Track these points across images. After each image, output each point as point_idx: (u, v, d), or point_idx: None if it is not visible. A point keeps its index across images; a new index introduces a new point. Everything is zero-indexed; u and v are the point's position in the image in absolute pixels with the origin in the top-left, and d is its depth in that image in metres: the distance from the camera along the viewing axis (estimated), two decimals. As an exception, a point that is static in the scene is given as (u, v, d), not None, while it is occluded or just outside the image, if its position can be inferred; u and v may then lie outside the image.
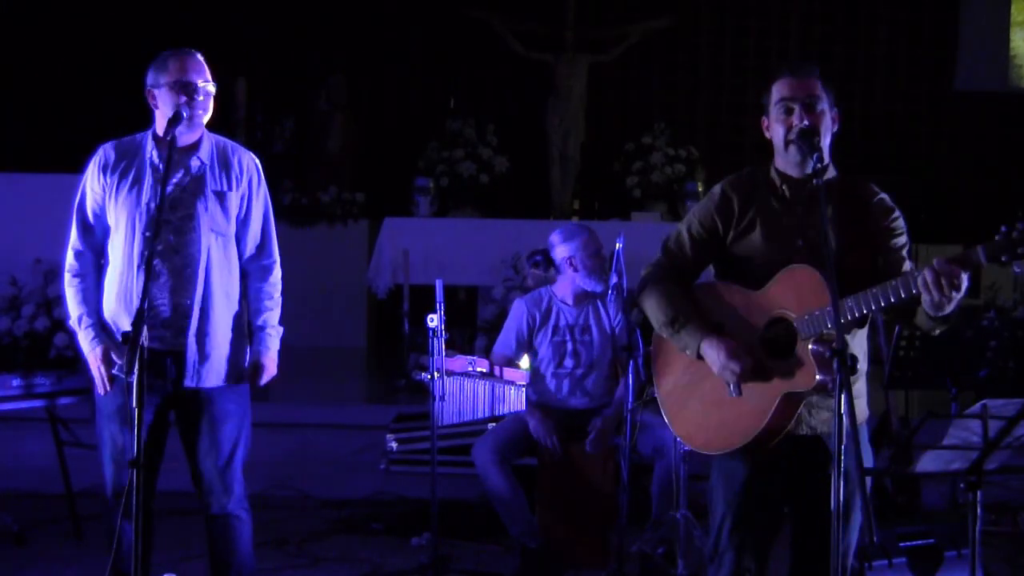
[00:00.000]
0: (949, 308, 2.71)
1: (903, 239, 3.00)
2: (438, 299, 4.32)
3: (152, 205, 3.42)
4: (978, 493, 2.92)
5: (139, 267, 3.41)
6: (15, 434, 5.93)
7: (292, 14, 10.02)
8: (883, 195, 3.05)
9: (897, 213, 3.02)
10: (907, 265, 2.96)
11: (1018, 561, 4.89)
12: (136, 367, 2.87)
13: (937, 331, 2.87)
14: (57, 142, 9.30)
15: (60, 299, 7.11)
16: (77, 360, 7.07)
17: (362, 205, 9.40)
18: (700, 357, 2.96)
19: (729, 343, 2.90)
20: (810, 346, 2.79)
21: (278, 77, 9.89)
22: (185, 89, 3.42)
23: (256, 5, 9.95)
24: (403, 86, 10.17)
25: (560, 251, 4.92)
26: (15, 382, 4.83)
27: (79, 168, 3.63)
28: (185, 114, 3.40)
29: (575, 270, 4.88)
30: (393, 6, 10.17)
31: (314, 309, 8.85)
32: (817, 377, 2.77)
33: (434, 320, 4.27)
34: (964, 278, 2.66)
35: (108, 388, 3.48)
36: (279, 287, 3.72)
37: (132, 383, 2.88)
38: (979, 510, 2.93)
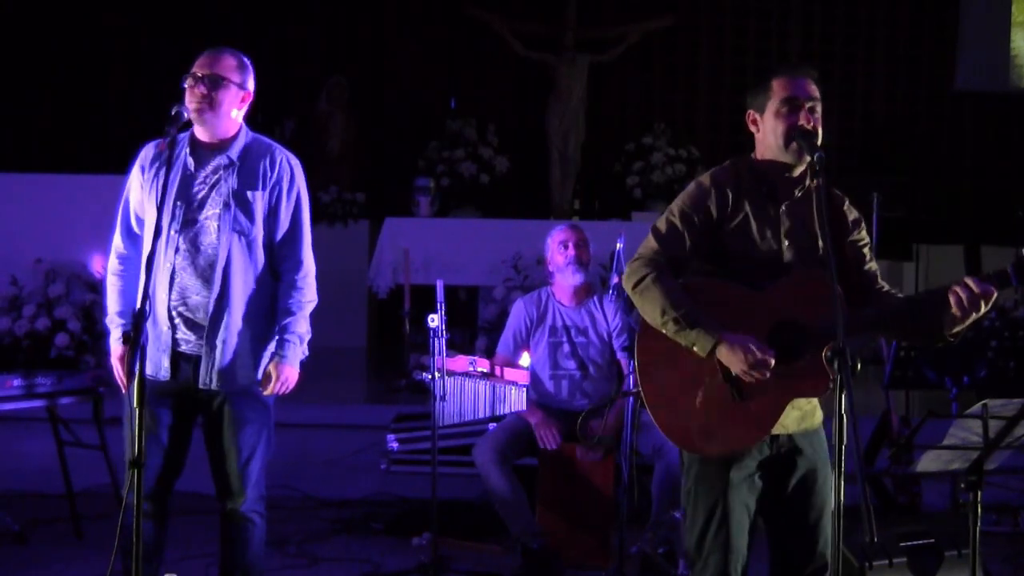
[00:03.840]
0: (963, 325, 2.79)
1: (868, 250, 3.06)
2: (439, 299, 4.33)
3: (179, 204, 3.41)
4: (978, 493, 2.92)
5: (164, 266, 3.39)
6: (15, 434, 5.93)
7: (292, 14, 10.02)
8: (848, 202, 3.07)
9: (863, 222, 3.07)
10: (879, 279, 3.03)
11: (1018, 561, 4.89)
12: (136, 367, 2.86)
13: (938, 345, 2.90)
14: (57, 143, 9.33)
15: (60, 299, 7.14)
16: (77, 360, 7.11)
17: (362, 205, 9.41)
18: (709, 355, 2.85)
19: (753, 341, 2.80)
20: (827, 354, 2.72)
21: (278, 77, 9.89)
22: (193, 82, 3.40)
23: (257, 5, 9.95)
24: (403, 86, 10.17)
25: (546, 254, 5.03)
26: (16, 382, 4.82)
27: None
28: (185, 114, 3.38)
29: (555, 269, 4.93)
30: (393, 6, 10.18)
31: (314, 309, 8.84)
32: (831, 385, 2.75)
33: (435, 320, 4.27)
34: (994, 297, 2.75)
35: (126, 386, 3.44)
36: (308, 292, 3.59)
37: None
38: (979, 510, 2.93)
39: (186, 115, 3.38)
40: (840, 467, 2.57)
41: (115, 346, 3.50)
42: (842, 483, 2.58)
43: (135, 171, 3.53)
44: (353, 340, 9.26)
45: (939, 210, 9.78)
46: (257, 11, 9.94)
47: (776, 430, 2.92)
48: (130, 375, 2.88)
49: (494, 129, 9.86)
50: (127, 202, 3.55)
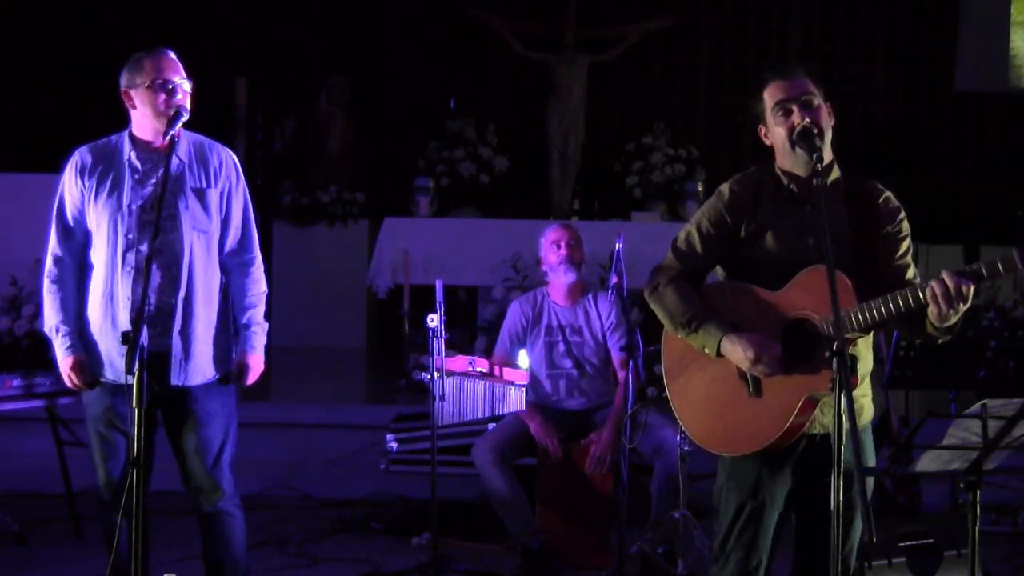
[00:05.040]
0: (953, 319, 2.76)
1: (908, 242, 3.03)
2: (438, 299, 4.33)
3: (134, 207, 3.43)
4: (977, 493, 2.92)
5: (123, 269, 3.42)
6: (15, 434, 5.93)
7: (293, 14, 10.02)
8: (888, 193, 3.06)
9: (903, 214, 3.04)
10: (911, 271, 3.00)
11: (1018, 561, 4.89)
12: (136, 367, 2.87)
13: (940, 341, 2.89)
14: (57, 143, 9.32)
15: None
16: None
17: (362, 205, 9.41)
18: (719, 355, 2.91)
19: (755, 338, 2.85)
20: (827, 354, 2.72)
21: (278, 77, 9.90)
22: (164, 87, 3.43)
23: (257, 5, 9.95)
24: (403, 86, 10.17)
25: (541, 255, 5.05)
26: (15, 382, 4.83)
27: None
28: (185, 114, 3.41)
29: (548, 268, 4.94)
30: (393, 6, 10.18)
31: (314, 309, 8.86)
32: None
33: (434, 320, 4.27)
34: (972, 291, 2.71)
35: (82, 387, 3.49)
36: (262, 282, 3.71)
37: (131, 383, 2.88)
38: (978, 510, 2.93)
39: (185, 116, 3.41)
40: (839, 467, 2.58)
41: (65, 355, 3.50)
42: (841, 483, 2.59)
43: (69, 176, 3.53)
44: (353, 340, 9.26)
45: (939, 210, 9.77)
46: (257, 11, 9.94)
47: (814, 428, 2.93)
48: (129, 373, 2.88)
49: (494, 129, 9.85)
50: (62, 206, 3.55)
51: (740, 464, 2.99)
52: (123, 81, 3.49)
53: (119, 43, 9.60)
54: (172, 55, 3.52)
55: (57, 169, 3.57)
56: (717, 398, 2.97)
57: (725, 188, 3.08)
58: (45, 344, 6.88)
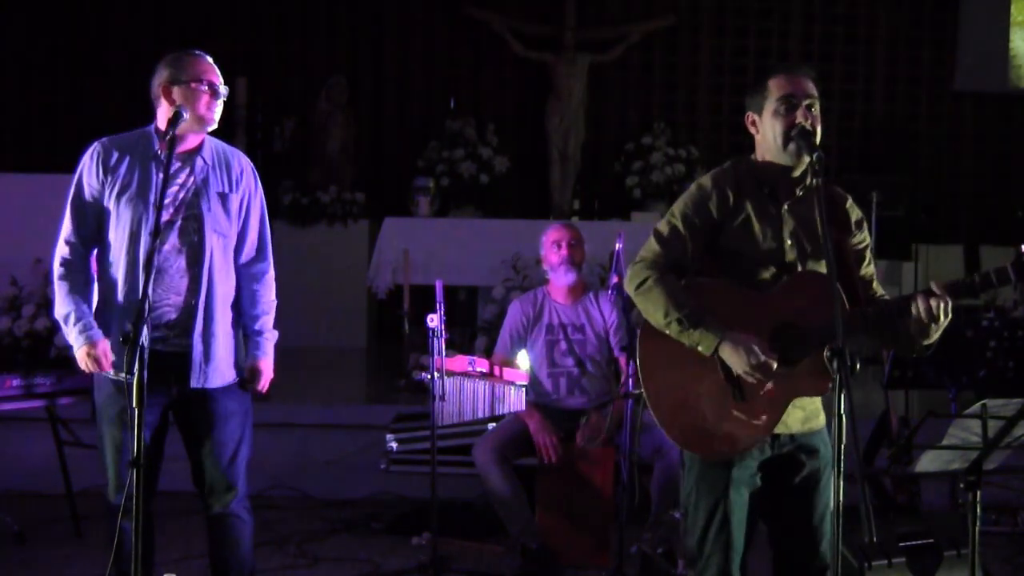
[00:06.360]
0: (933, 337, 2.79)
1: (869, 252, 3.05)
2: (438, 299, 4.33)
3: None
4: (977, 493, 2.92)
5: (145, 267, 3.40)
6: (15, 434, 5.93)
7: (293, 14, 10.02)
8: (851, 200, 3.06)
9: (865, 223, 3.06)
10: (876, 282, 3.03)
11: (1018, 561, 4.89)
12: (136, 367, 2.87)
13: (914, 355, 2.90)
14: (56, 142, 9.33)
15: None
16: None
17: (362, 205, 9.40)
18: (713, 354, 2.86)
19: (758, 340, 2.81)
20: (828, 354, 2.66)
21: (278, 77, 9.90)
22: (211, 89, 3.45)
23: (257, 5, 9.95)
24: (403, 86, 10.17)
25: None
26: (15, 382, 4.83)
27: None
28: (186, 114, 3.38)
29: (549, 268, 4.95)
30: (393, 6, 10.18)
31: (314, 309, 8.84)
32: (831, 386, 2.75)
33: (434, 320, 4.27)
34: (950, 307, 2.74)
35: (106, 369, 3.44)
36: (273, 290, 3.73)
37: (132, 383, 2.87)
38: (978, 510, 2.93)
39: (186, 116, 3.38)
40: (839, 467, 2.57)
41: (80, 343, 3.42)
42: (842, 483, 2.58)
43: (89, 167, 3.49)
44: (353, 340, 9.25)
45: (939, 210, 9.78)
46: (257, 11, 9.93)
47: (778, 429, 2.93)
48: (130, 374, 2.87)
49: (494, 129, 9.86)
50: (80, 194, 3.50)
51: (709, 468, 2.97)
52: (164, 76, 3.45)
53: (119, 43, 9.66)
54: (206, 56, 3.53)
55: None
56: (698, 399, 2.93)
57: (707, 181, 3.04)
58: (45, 344, 6.88)
